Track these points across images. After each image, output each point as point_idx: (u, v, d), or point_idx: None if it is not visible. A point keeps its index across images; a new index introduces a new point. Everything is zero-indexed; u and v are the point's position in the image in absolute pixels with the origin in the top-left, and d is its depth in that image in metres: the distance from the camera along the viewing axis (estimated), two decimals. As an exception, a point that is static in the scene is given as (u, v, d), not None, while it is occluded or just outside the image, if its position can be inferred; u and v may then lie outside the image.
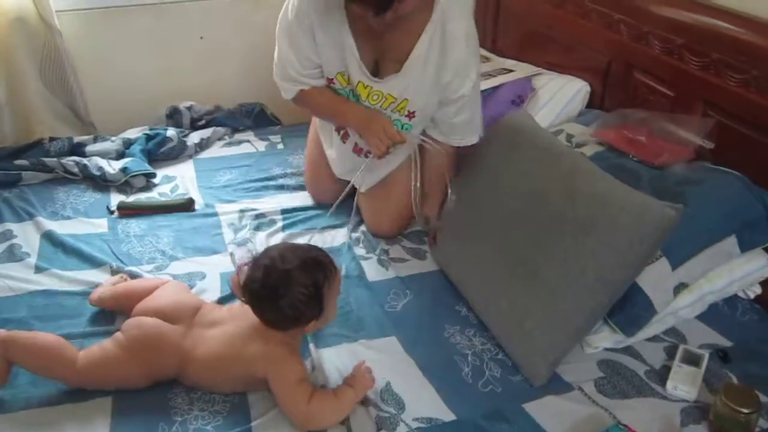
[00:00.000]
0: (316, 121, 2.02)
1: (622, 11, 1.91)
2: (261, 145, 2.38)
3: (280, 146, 2.39)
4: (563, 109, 2.11)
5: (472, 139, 1.76)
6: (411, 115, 1.69)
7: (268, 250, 1.39)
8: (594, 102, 2.11)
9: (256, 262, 1.35)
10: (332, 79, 1.69)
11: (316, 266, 1.34)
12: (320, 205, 2.01)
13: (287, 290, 1.30)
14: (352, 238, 1.87)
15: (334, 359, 1.44)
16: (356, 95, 1.68)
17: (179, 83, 2.47)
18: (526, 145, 1.62)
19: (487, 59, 2.49)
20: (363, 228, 1.91)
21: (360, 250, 1.82)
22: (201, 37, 2.43)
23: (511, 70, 2.30)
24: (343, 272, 1.65)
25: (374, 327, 1.55)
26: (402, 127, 1.69)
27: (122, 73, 2.39)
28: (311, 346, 1.46)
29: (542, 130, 1.68)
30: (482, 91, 2.19)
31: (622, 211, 1.32)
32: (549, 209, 1.45)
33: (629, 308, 1.41)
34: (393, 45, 1.60)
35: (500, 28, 2.56)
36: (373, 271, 1.74)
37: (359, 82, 1.65)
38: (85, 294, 1.60)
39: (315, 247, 1.44)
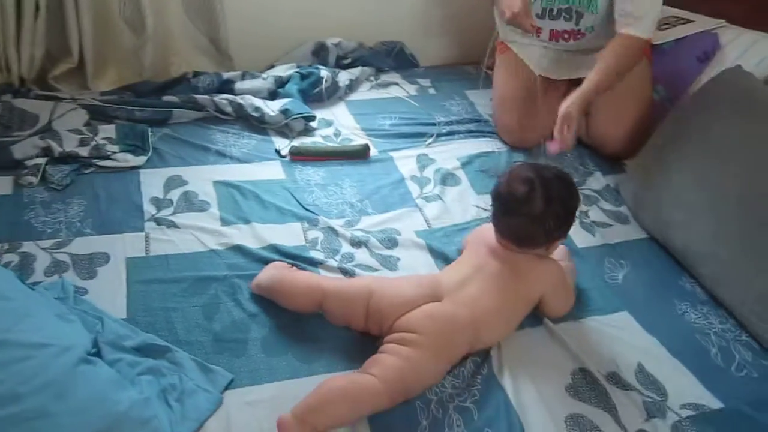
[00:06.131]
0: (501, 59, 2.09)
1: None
2: (411, 89, 2.25)
3: (432, 91, 2.25)
4: (754, 69, 1.95)
5: (640, 31, 1.75)
6: None
7: (515, 172, 1.36)
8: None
9: (517, 181, 1.32)
10: None
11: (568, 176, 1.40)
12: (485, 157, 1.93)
13: (557, 196, 1.32)
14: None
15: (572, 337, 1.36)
16: None
17: (321, 19, 2.30)
18: (759, 108, 1.50)
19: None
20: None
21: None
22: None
23: (689, 20, 2.14)
24: None
25: (601, 301, 1.47)
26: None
27: (265, 3, 2.22)
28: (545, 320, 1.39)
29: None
30: (662, 44, 2.09)
31: None
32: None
33: None
34: None
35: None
36: (578, 236, 1.65)
37: None
38: (283, 253, 1.49)
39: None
